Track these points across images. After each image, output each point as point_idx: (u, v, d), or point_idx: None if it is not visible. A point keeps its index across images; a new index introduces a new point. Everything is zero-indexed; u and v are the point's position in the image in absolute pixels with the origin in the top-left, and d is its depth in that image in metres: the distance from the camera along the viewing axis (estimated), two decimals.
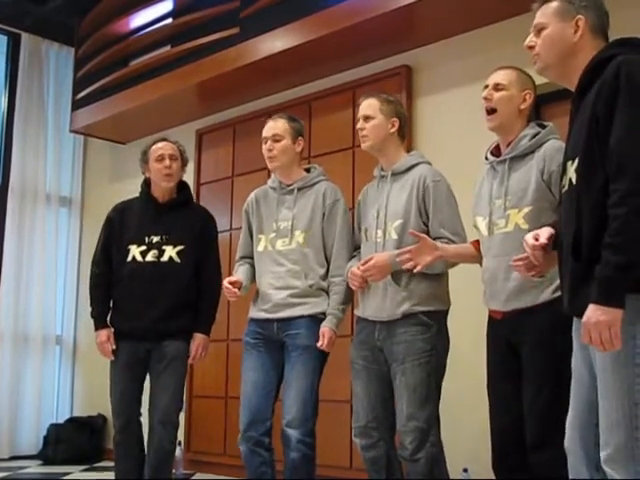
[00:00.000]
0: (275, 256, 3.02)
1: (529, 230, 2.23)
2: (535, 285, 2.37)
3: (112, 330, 3.30)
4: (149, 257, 3.24)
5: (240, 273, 3.11)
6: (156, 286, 3.21)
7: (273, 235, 3.04)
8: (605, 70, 1.79)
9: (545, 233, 2.04)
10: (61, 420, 5.87)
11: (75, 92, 5.99)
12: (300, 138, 3.09)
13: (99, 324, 3.30)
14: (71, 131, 6.08)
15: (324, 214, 2.99)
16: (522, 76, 2.58)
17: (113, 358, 3.29)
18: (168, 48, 5.21)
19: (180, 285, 3.24)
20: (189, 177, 5.51)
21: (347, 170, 4.48)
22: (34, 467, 5.35)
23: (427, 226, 2.76)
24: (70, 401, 6.09)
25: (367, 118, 2.86)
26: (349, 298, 2.99)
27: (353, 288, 2.89)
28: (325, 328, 2.89)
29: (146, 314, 3.20)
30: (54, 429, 5.66)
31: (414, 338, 2.67)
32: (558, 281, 2.30)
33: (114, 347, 3.26)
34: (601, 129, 1.76)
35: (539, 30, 1.99)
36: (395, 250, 2.70)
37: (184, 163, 3.42)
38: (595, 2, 1.98)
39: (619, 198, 1.67)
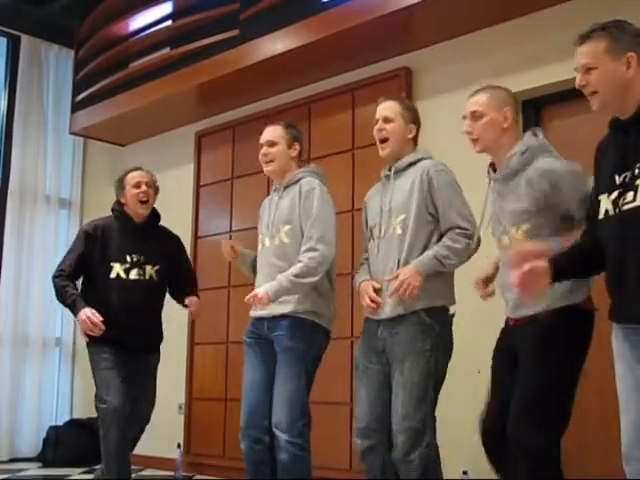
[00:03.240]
0: (265, 254, 3.08)
1: None
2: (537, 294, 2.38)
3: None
4: (132, 275, 3.52)
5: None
6: (140, 302, 3.50)
7: (265, 234, 3.10)
8: None
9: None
10: (61, 422, 5.87)
11: (75, 94, 5.99)
12: (296, 143, 3.14)
13: (79, 305, 3.38)
14: (71, 133, 6.08)
15: (300, 205, 3.00)
16: (496, 94, 2.55)
17: (100, 332, 3.33)
18: (168, 50, 5.21)
19: (158, 301, 3.66)
20: (189, 179, 5.55)
21: (347, 172, 4.48)
22: (34, 469, 5.35)
23: (433, 216, 2.74)
24: (70, 403, 6.10)
25: (387, 120, 2.85)
26: (310, 274, 2.89)
27: (369, 310, 2.81)
28: (260, 289, 2.90)
29: (134, 327, 3.47)
30: (54, 431, 5.65)
31: (415, 338, 2.67)
32: (561, 290, 2.33)
33: (102, 319, 3.32)
34: None
35: (588, 69, 2.07)
36: (401, 246, 2.71)
37: (156, 192, 3.68)
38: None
39: None
